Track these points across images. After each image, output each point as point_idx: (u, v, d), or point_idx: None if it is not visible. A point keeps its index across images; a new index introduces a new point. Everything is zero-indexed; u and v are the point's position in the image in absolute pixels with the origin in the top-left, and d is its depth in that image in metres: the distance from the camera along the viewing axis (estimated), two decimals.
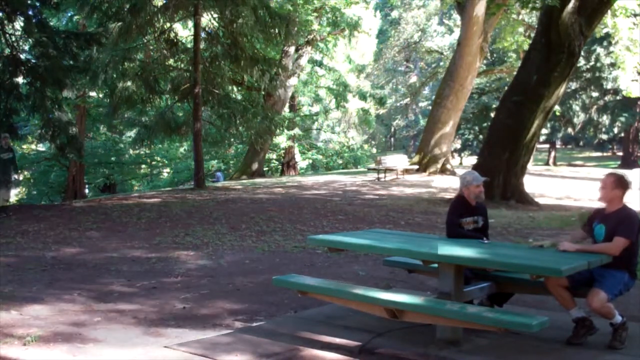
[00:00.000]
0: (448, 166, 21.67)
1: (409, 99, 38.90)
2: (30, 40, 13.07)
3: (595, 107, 33.72)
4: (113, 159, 29.99)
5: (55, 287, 6.04)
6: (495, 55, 33.30)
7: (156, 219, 10.93)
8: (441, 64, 34.18)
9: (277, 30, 16.42)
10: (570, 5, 12.29)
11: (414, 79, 43.69)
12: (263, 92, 21.36)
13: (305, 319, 4.90)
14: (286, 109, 28.43)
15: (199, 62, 15.85)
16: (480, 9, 18.99)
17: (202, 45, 16.49)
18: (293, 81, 25.69)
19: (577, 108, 33.28)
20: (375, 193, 15.62)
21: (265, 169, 28.56)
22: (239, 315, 5.10)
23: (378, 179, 19.38)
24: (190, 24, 17.68)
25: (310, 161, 33.72)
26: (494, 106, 31.16)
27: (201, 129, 16.66)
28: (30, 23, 12.61)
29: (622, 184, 4.37)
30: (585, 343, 4.23)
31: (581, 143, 48.40)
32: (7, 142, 11.70)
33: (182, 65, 17.02)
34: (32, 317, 4.97)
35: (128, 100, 16.09)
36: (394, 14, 39.21)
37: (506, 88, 16.85)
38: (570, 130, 36.61)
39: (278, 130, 22.27)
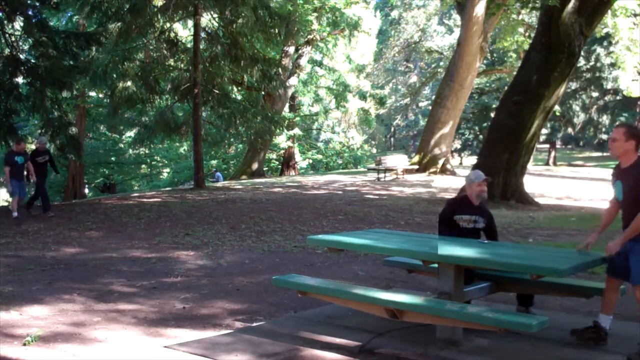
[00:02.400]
0: (448, 166, 21.68)
1: (409, 99, 38.92)
2: (30, 40, 13.05)
3: (595, 107, 33.71)
4: (113, 159, 30.00)
5: (55, 287, 6.04)
6: (495, 55, 33.29)
7: (156, 219, 10.93)
8: (441, 64, 34.17)
9: (277, 30, 16.43)
10: (570, 5, 12.28)
11: (414, 79, 43.71)
12: (263, 92, 21.37)
13: (305, 319, 4.90)
14: (286, 109, 28.44)
15: (199, 62, 15.85)
16: (480, 9, 18.99)
17: (202, 45, 16.49)
18: (293, 81, 25.71)
19: (577, 108, 33.28)
20: (375, 193, 15.62)
21: (265, 169, 28.58)
22: (239, 315, 5.09)
23: (378, 179, 19.38)
24: (190, 24, 17.68)
25: (310, 161, 33.73)
26: (494, 106, 31.16)
27: (201, 129, 16.67)
28: (30, 23, 12.59)
29: (634, 134, 4.01)
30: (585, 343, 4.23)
31: (581, 143, 48.37)
32: (44, 146, 11.99)
33: (182, 65, 17.02)
34: (32, 317, 4.97)
35: (128, 100, 16.07)
36: (394, 14, 39.17)
37: (506, 88, 16.84)
38: (570, 130, 36.59)
39: (278, 130, 22.27)
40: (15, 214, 11.11)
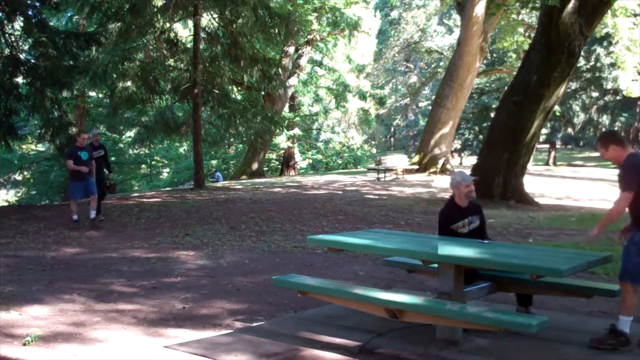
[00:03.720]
0: (448, 166, 21.67)
1: (409, 99, 38.94)
2: (30, 40, 13.04)
3: (595, 107, 33.70)
4: (113, 159, 29.93)
5: (55, 287, 6.04)
6: (495, 55, 33.30)
7: (156, 219, 10.93)
8: (441, 64, 34.19)
9: (277, 30, 16.44)
10: (570, 5, 12.29)
11: (414, 79, 43.72)
12: (263, 92, 21.37)
13: (305, 319, 4.90)
14: (286, 109, 28.44)
15: (199, 62, 15.85)
16: (480, 9, 18.99)
17: (202, 45, 16.49)
18: (293, 81, 25.72)
19: (577, 108, 33.26)
20: (375, 193, 15.62)
21: (265, 169, 28.58)
22: (239, 315, 5.09)
23: (378, 179, 19.38)
24: (190, 24, 17.67)
25: (310, 161, 33.74)
26: (494, 106, 31.15)
27: (201, 129, 16.67)
28: (30, 23, 12.58)
29: (606, 140, 4.18)
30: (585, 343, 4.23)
31: (581, 143, 48.36)
32: (98, 139, 11.19)
33: (182, 65, 17.03)
34: (32, 317, 4.97)
35: (128, 100, 16.09)
36: (394, 14, 39.23)
37: (506, 88, 16.85)
38: (570, 130, 36.58)
39: (278, 130, 22.28)
40: (75, 216, 9.90)
